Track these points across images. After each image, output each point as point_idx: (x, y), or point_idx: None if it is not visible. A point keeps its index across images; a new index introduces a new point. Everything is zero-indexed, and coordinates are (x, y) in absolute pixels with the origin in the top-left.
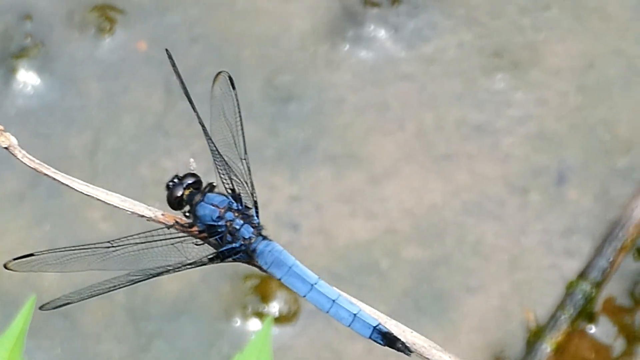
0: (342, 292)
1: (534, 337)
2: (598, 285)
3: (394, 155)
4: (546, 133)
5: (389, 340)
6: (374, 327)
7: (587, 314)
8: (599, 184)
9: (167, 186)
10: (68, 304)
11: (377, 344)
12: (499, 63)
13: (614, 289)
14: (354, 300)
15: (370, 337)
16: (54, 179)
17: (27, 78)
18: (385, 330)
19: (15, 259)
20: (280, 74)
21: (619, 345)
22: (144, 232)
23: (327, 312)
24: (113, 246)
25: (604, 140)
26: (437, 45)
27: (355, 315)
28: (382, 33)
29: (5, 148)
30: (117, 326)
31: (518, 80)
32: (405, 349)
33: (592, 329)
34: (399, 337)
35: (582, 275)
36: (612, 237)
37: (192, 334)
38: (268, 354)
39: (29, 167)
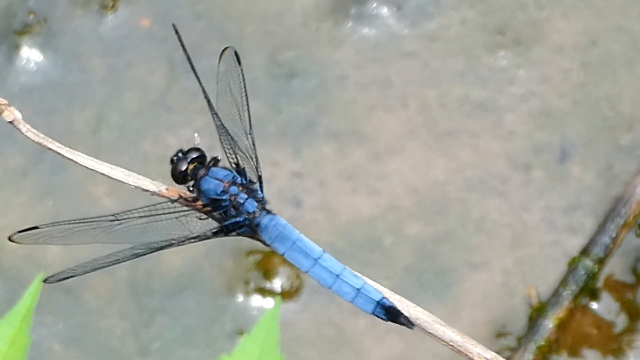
0: (346, 267)
1: (536, 313)
2: (600, 261)
3: (396, 132)
4: (549, 110)
5: (392, 314)
6: (377, 302)
7: (589, 291)
8: (602, 161)
9: (172, 160)
10: (72, 276)
11: (380, 320)
12: (501, 40)
13: (616, 266)
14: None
15: (373, 313)
16: (58, 153)
17: (30, 55)
18: (389, 304)
19: (19, 232)
20: (283, 50)
21: (621, 321)
22: (148, 206)
23: (330, 288)
24: (117, 219)
25: (607, 117)
26: (439, 23)
27: (358, 290)
28: (384, 10)
29: (10, 122)
30: (119, 302)
31: (521, 58)
32: (408, 322)
33: (595, 306)
34: (402, 311)
35: (585, 251)
36: (615, 214)
37: (195, 310)
38: (276, 334)
39: (33, 141)
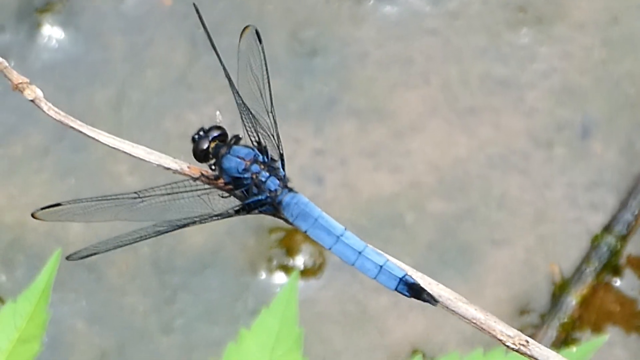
0: (368, 245)
1: (559, 290)
2: (623, 238)
3: (418, 109)
4: (570, 87)
5: (415, 291)
6: (400, 279)
7: (612, 267)
8: (623, 138)
9: (193, 139)
10: (95, 254)
11: (403, 296)
12: (523, 17)
13: (639, 243)
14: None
15: (396, 289)
16: (80, 131)
17: (51, 32)
18: (412, 281)
19: (42, 208)
20: (304, 28)
21: None
22: (170, 184)
23: (353, 264)
24: (140, 197)
25: (628, 94)
26: (461, 0)
27: (381, 267)
28: None
29: (31, 101)
30: (142, 279)
31: (542, 35)
32: (431, 299)
33: (617, 282)
34: (424, 288)
35: (607, 228)
36: (638, 191)
37: (217, 287)
38: (294, 308)
39: (55, 119)
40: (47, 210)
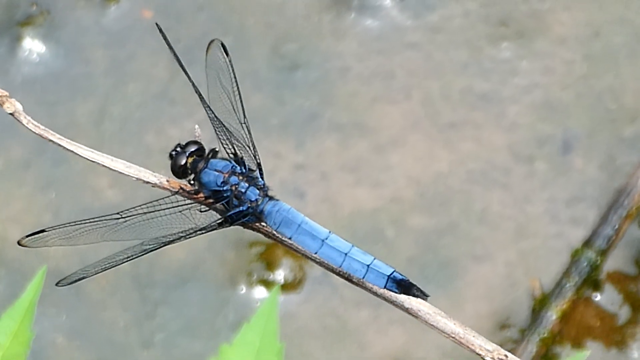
0: (354, 245)
1: (540, 305)
2: (603, 253)
3: (399, 124)
4: (552, 102)
5: (404, 287)
6: (388, 276)
7: (592, 282)
8: (604, 153)
9: (171, 155)
10: (83, 278)
11: (394, 294)
12: (504, 32)
13: (619, 257)
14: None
15: (385, 287)
16: (59, 145)
17: (32, 46)
18: (401, 277)
19: (27, 236)
20: (285, 42)
21: (624, 313)
22: (151, 202)
23: (340, 266)
24: (122, 217)
25: (609, 109)
26: (442, 14)
27: (368, 266)
28: (387, 2)
29: (11, 114)
30: (122, 293)
31: (524, 49)
32: (421, 293)
33: (598, 297)
34: (413, 282)
35: (588, 243)
36: (618, 205)
37: (198, 302)
38: (275, 323)
39: (34, 133)
40: (32, 237)
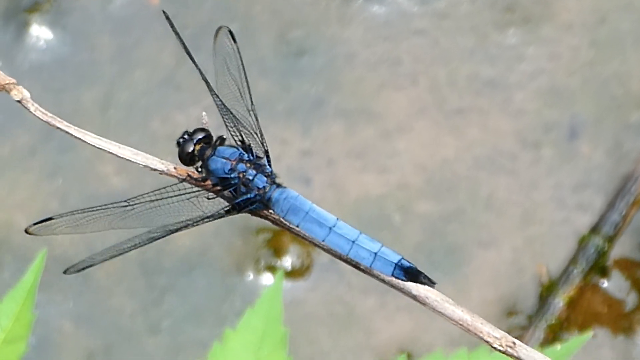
0: (362, 232)
1: (547, 291)
2: (610, 239)
3: (406, 110)
4: (558, 88)
5: (412, 275)
6: (396, 264)
7: (599, 269)
8: (611, 139)
9: (178, 143)
10: (91, 265)
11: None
12: (511, 18)
13: (626, 244)
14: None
15: (392, 275)
16: (66, 132)
17: (39, 32)
18: (408, 264)
19: (35, 224)
20: (291, 29)
21: (631, 299)
22: (159, 189)
23: (348, 254)
24: (130, 205)
25: (616, 95)
26: (449, 1)
27: (375, 254)
28: None
29: (18, 101)
30: (129, 280)
31: (530, 35)
32: (429, 281)
33: (605, 283)
34: (421, 270)
35: (595, 229)
36: (625, 192)
37: (204, 288)
38: (279, 307)
39: (42, 120)
40: (39, 225)
